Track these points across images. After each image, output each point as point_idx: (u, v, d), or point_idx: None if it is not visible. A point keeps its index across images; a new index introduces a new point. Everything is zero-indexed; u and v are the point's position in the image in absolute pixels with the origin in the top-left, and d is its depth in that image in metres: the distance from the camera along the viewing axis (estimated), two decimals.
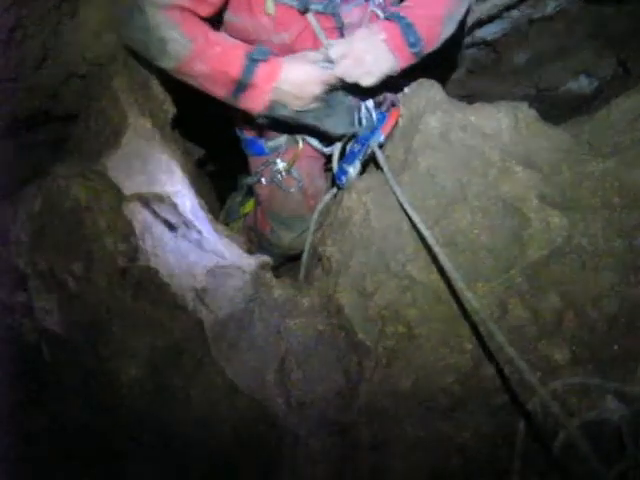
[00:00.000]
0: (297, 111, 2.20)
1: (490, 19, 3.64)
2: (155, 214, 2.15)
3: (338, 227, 2.14)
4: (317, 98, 2.20)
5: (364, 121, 2.39)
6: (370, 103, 2.40)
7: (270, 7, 2.16)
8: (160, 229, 2.14)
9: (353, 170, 2.32)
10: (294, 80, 2.13)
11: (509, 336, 1.75)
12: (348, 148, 2.41)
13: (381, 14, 2.30)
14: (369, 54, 2.13)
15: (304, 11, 2.17)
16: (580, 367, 1.86)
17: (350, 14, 2.26)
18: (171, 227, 2.16)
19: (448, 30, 2.30)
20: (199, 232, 2.20)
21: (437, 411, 1.94)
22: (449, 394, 1.93)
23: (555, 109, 3.77)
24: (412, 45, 2.18)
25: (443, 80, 3.94)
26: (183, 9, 1.99)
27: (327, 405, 2.00)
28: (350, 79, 2.18)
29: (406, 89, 2.44)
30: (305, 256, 2.54)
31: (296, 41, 2.27)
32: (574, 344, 1.87)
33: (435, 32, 2.26)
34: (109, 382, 2.04)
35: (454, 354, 1.92)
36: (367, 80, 2.17)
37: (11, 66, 2.39)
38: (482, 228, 1.92)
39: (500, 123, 2.04)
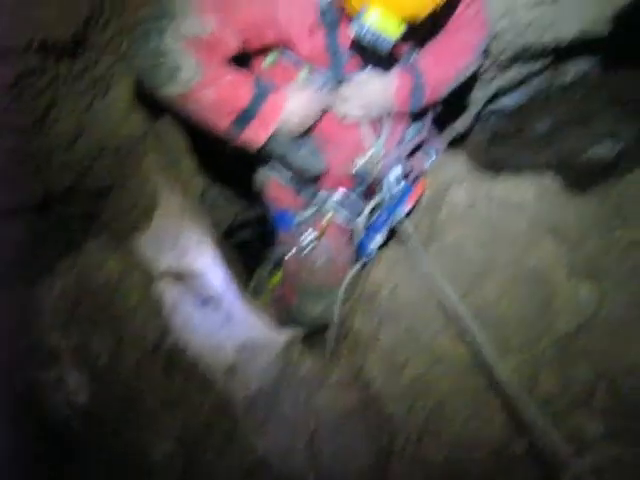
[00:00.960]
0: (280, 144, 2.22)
1: (511, 88, 3.68)
2: (185, 290, 2.18)
3: (366, 300, 2.14)
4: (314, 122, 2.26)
5: (390, 192, 2.42)
6: (397, 173, 2.43)
7: (304, 78, 2.22)
8: (190, 305, 2.16)
9: (379, 239, 2.34)
10: (298, 111, 2.16)
11: (540, 408, 1.74)
12: (373, 218, 2.44)
13: None
14: (374, 98, 2.24)
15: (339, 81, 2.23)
16: (614, 439, 1.82)
17: None
18: (201, 302, 2.18)
19: (444, 94, 2.41)
20: (229, 307, 2.22)
21: None
22: (481, 468, 1.90)
23: (578, 176, 3.78)
24: (413, 104, 2.29)
25: (467, 149, 3.98)
26: (202, 42, 1.99)
27: None
28: (348, 116, 2.28)
29: (432, 160, 2.48)
30: (333, 329, 2.54)
31: None
32: (607, 416, 1.84)
33: (436, 97, 2.38)
34: (139, 458, 2.03)
35: (485, 427, 1.90)
36: (356, 114, 2.28)
37: (46, 144, 2.46)
38: (511, 299, 1.92)
39: (526, 194, 2.05)
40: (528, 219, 2.02)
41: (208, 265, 2.29)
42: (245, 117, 2.09)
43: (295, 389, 2.08)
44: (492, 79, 3.35)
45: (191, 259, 2.26)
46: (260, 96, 2.08)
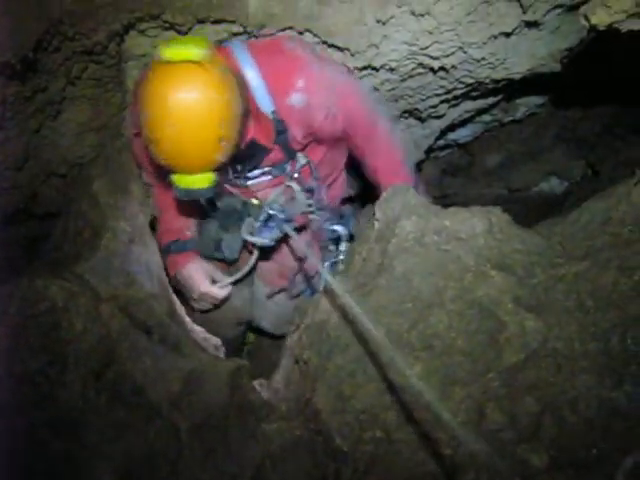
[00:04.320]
0: None
1: (462, 123, 3.74)
2: (132, 317, 2.15)
3: (315, 330, 2.13)
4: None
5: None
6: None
7: None
8: (136, 332, 2.13)
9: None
10: (184, 279, 2.60)
11: (487, 441, 1.75)
12: None
13: (297, 188, 2.52)
14: None
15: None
16: (559, 472, 1.82)
17: (258, 186, 2.56)
18: (148, 330, 2.15)
19: None
20: (175, 335, 2.20)
21: None
22: None
23: (526, 210, 3.87)
24: None
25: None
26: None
27: None
28: None
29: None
30: (282, 359, 2.54)
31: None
32: (552, 448, 1.83)
33: None
34: None
35: (432, 459, 1.89)
36: None
37: None
38: (458, 332, 1.92)
39: (474, 227, 2.07)
40: (476, 253, 2.03)
41: (155, 292, 2.27)
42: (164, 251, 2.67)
43: (242, 418, 2.06)
44: (443, 114, 3.40)
45: (138, 285, 2.24)
46: (165, 252, 2.62)
